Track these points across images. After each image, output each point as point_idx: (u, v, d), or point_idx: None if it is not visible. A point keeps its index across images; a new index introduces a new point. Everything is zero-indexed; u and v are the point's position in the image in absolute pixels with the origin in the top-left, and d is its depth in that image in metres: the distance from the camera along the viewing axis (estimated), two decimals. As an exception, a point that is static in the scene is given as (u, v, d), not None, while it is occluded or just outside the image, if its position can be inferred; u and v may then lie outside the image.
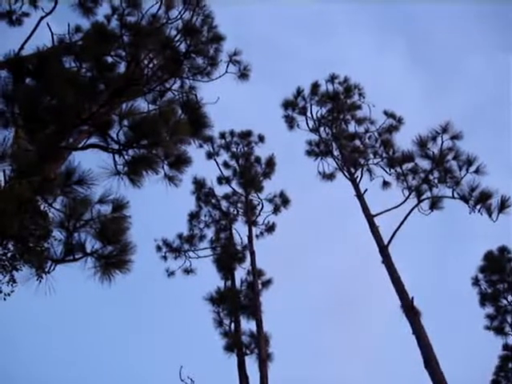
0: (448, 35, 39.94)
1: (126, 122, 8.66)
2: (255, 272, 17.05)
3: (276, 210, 19.78)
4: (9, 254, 7.35)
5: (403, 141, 16.47)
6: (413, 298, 12.64)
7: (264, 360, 14.40)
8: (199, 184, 20.20)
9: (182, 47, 11.84)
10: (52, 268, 7.58)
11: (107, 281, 7.85)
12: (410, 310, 12.42)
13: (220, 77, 13.01)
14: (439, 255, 31.29)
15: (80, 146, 9.19)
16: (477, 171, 13.76)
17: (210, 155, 20.26)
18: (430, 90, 40.93)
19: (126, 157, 8.74)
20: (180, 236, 19.46)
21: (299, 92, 19.19)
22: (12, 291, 7.62)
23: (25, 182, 7.20)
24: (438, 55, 39.53)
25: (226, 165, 20.43)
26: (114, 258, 7.78)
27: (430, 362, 11.45)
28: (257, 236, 19.20)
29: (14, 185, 7.15)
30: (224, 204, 20.12)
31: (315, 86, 19.11)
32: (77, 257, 7.73)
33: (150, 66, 11.21)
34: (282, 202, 19.81)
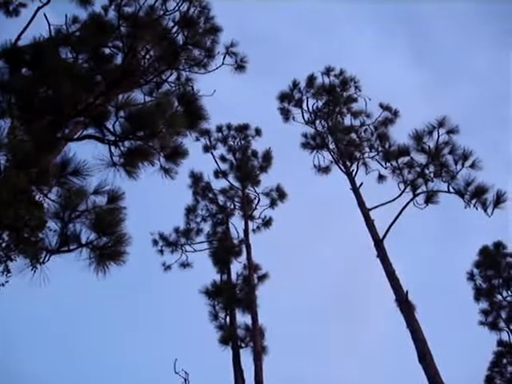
0: (449, 32, 39.93)
1: (122, 113, 8.66)
2: (251, 266, 17.07)
3: (272, 204, 19.80)
4: (3, 244, 7.32)
5: (401, 135, 16.49)
6: (407, 291, 12.69)
7: (259, 353, 14.44)
8: (196, 178, 20.21)
9: (179, 39, 11.83)
10: (47, 259, 7.58)
11: (102, 272, 7.86)
12: (405, 304, 12.47)
13: (217, 68, 12.99)
14: (435, 249, 31.30)
15: (76, 136, 9.18)
16: (472, 166, 13.80)
17: (206, 148, 20.28)
18: (431, 86, 40.94)
19: (121, 148, 8.75)
20: (177, 230, 19.48)
21: (295, 84, 19.20)
22: (6, 281, 7.59)
23: (20, 173, 7.18)
24: (439, 52, 39.52)
25: (222, 158, 20.44)
26: (108, 249, 7.79)
27: (425, 356, 11.47)
28: (253, 230, 19.24)
29: (9, 175, 7.14)
30: (221, 198, 20.15)
31: (311, 79, 19.11)
32: (72, 248, 7.73)
33: (147, 57, 11.18)
34: (278, 195, 19.83)
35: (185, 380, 14.03)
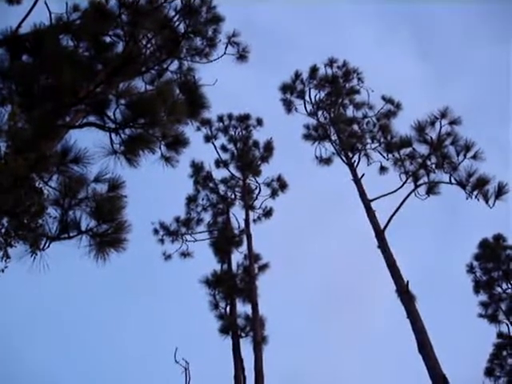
0: (452, 26, 39.75)
1: (123, 101, 8.63)
2: (252, 256, 17.09)
3: (273, 194, 19.79)
4: (3, 230, 7.32)
5: (403, 128, 16.45)
6: (408, 281, 12.68)
7: (259, 342, 14.48)
8: (197, 167, 20.17)
9: (181, 27, 11.76)
10: (47, 245, 7.59)
11: (102, 259, 7.87)
12: (405, 294, 12.46)
13: (219, 58, 12.94)
14: (437, 241, 31.38)
15: (76, 124, 9.14)
16: (474, 157, 13.78)
17: (207, 138, 20.23)
18: (433, 80, 40.83)
19: (122, 136, 8.70)
20: (177, 219, 19.47)
21: (297, 75, 19.14)
22: (6, 267, 7.59)
23: (20, 159, 7.17)
24: (441, 46, 39.40)
25: (223, 148, 20.41)
26: (108, 236, 7.80)
27: (425, 346, 11.47)
28: (254, 220, 19.27)
29: (9, 161, 7.13)
30: (222, 188, 20.14)
31: (314, 70, 19.05)
32: (72, 234, 7.75)
33: (148, 45, 11.13)
34: (279, 186, 19.82)
35: (185, 369, 14.09)
